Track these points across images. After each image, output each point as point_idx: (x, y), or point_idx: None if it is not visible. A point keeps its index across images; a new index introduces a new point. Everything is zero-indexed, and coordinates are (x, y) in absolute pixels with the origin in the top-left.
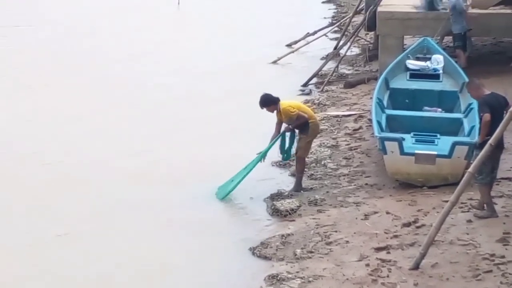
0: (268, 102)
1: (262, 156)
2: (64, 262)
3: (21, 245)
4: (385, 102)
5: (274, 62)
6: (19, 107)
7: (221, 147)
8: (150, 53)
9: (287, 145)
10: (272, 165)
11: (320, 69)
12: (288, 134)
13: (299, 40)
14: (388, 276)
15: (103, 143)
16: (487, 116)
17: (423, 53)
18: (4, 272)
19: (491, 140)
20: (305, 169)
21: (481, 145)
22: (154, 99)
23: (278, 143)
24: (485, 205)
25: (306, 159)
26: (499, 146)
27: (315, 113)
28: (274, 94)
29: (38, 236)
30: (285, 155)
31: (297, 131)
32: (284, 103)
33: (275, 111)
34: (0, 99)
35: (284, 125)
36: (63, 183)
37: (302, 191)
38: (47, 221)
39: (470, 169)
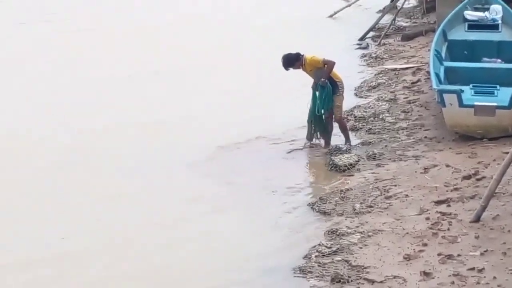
0: (292, 60)
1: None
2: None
3: None
4: (443, 54)
5: (331, 16)
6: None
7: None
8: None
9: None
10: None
11: (377, 22)
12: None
13: None
14: (448, 229)
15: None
16: None
17: (482, 3)
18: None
19: None
20: (356, 124)
21: None
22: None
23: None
24: None
25: (364, 113)
26: None
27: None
28: (331, 49)
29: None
30: (320, 108)
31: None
32: (307, 55)
33: (300, 68)
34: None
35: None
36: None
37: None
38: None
39: None
